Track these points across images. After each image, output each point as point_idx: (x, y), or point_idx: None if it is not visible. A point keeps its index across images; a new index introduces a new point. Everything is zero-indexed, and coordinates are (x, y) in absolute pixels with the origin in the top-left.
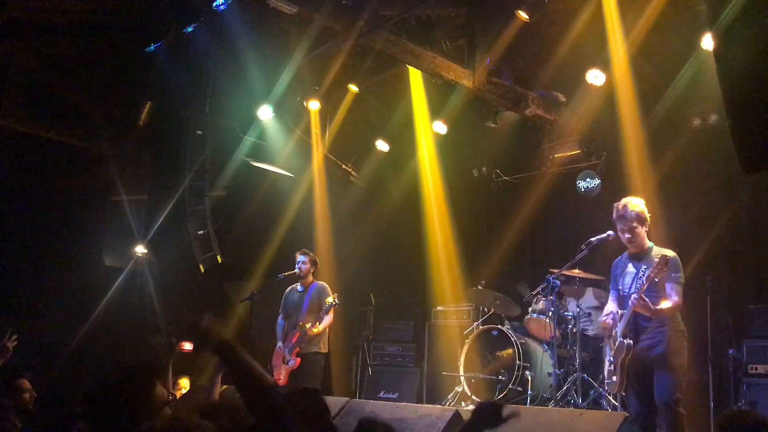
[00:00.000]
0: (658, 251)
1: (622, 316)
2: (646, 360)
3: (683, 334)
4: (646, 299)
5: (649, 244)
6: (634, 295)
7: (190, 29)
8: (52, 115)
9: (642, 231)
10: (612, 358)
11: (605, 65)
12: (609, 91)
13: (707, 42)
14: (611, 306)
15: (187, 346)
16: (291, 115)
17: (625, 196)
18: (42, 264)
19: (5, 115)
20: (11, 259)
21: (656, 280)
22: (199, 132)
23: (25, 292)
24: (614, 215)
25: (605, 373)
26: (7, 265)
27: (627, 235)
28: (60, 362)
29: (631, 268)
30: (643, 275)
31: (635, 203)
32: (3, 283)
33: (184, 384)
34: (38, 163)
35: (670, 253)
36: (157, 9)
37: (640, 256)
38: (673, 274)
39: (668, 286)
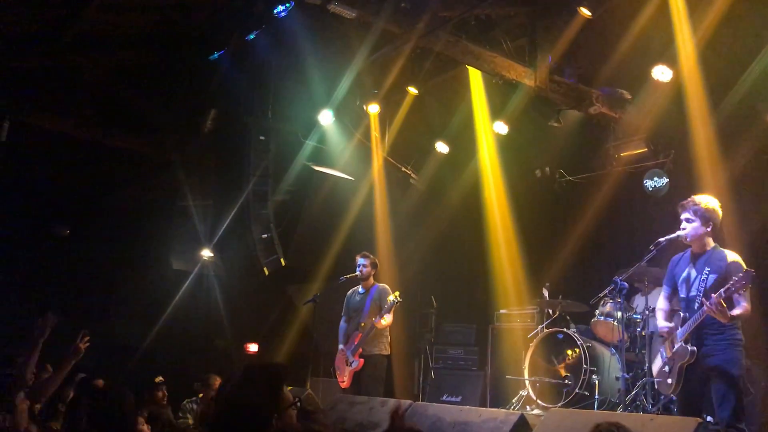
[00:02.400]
0: (723, 254)
1: (684, 319)
2: (704, 366)
3: (739, 343)
4: (725, 305)
5: (711, 245)
6: (714, 298)
7: (251, 37)
8: (121, 124)
9: (699, 228)
10: (667, 359)
11: (672, 61)
12: (676, 87)
13: None
14: (663, 303)
15: (252, 347)
16: (351, 118)
17: (694, 195)
18: (113, 268)
19: (77, 126)
20: (83, 264)
21: (737, 294)
22: (262, 137)
23: (97, 295)
24: None
25: (656, 371)
26: (80, 269)
27: (681, 225)
28: (131, 364)
29: (692, 271)
30: (707, 278)
31: (700, 197)
32: (76, 287)
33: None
34: (108, 171)
35: (736, 257)
36: (220, 18)
37: (702, 258)
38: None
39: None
